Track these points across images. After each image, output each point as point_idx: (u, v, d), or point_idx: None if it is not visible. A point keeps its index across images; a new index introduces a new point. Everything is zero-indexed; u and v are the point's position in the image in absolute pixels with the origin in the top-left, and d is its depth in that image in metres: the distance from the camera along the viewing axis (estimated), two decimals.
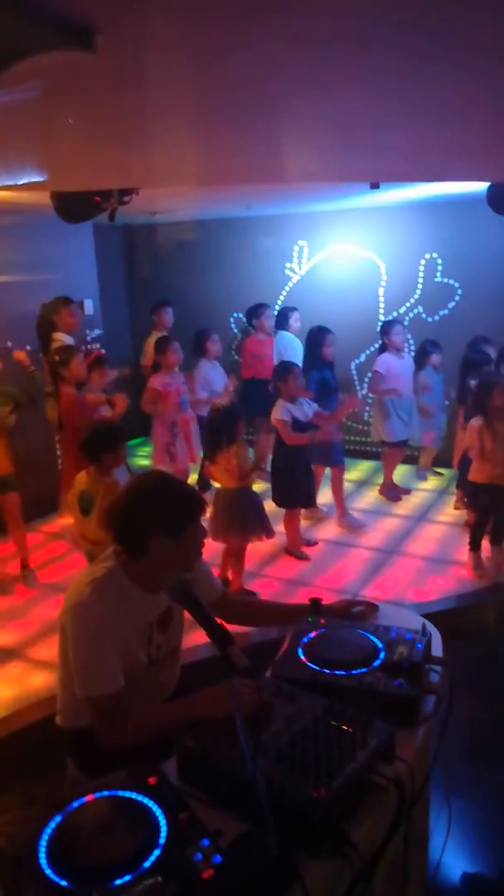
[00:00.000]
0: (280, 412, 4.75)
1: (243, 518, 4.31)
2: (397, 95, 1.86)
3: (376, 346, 6.23)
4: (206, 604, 2.11)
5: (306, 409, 4.85)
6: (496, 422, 4.50)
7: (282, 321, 6.52)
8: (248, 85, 1.76)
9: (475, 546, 4.77)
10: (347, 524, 5.51)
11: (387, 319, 6.22)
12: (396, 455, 6.12)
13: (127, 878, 1.27)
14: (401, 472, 6.39)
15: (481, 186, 4.45)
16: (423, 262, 6.61)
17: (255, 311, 6.52)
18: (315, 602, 2.29)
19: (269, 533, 4.44)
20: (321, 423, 4.80)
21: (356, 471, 6.74)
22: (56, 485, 5.67)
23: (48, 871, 1.30)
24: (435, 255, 6.55)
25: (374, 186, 4.19)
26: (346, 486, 6.32)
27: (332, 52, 1.49)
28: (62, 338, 5.57)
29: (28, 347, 5.62)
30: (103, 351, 6.42)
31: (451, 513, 5.74)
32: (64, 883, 1.27)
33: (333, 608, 2.30)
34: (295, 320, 6.53)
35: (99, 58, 1.31)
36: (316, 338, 5.50)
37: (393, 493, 6.09)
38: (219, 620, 1.64)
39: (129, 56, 1.47)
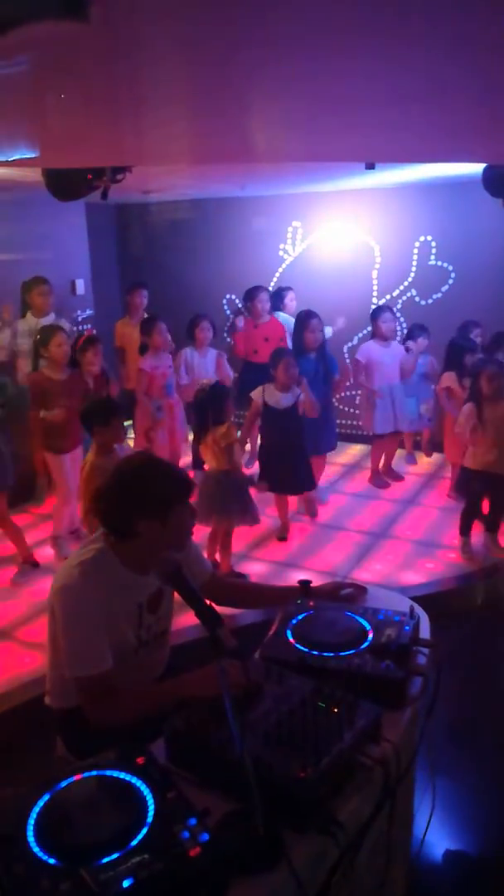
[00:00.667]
0: (254, 392, 4.78)
1: (224, 502, 4.32)
2: (393, 73, 1.84)
3: (369, 329, 6.20)
4: (196, 586, 2.13)
5: (286, 400, 4.78)
6: (485, 408, 4.51)
7: (276, 302, 6.46)
8: (243, 62, 1.73)
9: (465, 531, 4.80)
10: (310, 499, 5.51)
11: (377, 306, 6.15)
12: (382, 446, 6.08)
13: (115, 855, 1.28)
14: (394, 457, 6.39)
15: (477, 168, 4.42)
16: (417, 244, 6.58)
17: (250, 294, 6.42)
18: (304, 584, 2.31)
19: (252, 520, 4.46)
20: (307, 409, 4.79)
21: (347, 455, 6.75)
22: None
23: (36, 849, 1.31)
24: (429, 238, 6.52)
25: (370, 167, 4.15)
26: (337, 469, 6.35)
27: (328, 27, 1.47)
28: (27, 323, 5.42)
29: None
30: (94, 331, 6.38)
31: (441, 497, 5.77)
32: (52, 861, 1.29)
33: (322, 590, 2.31)
34: (290, 300, 6.47)
35: (92, 29, 1.28)
36: (299, 323, 5.39)
37: (380, 480, 6.06)
38: (208, 602, 1.65)
39: (123, 29, 1.44)
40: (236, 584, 3.17)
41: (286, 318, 6.46)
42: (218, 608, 1.70)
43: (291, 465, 4.91)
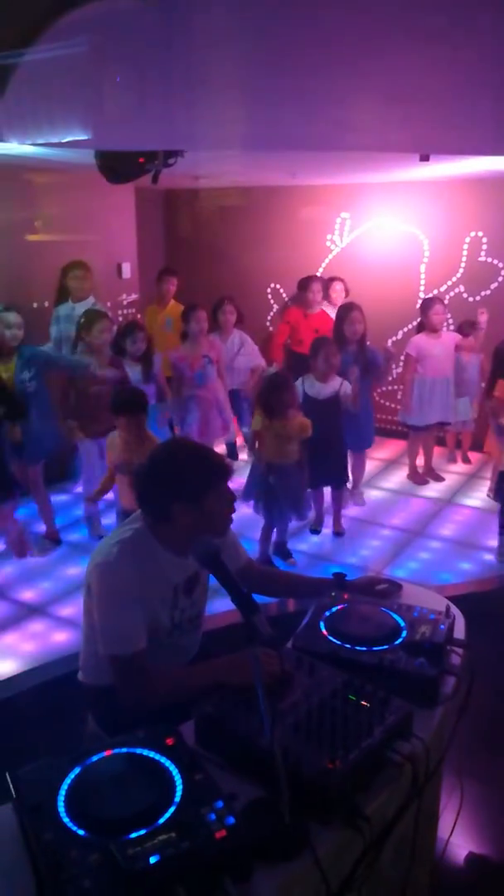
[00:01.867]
0: (295, 383, 4.70)
1: (271, 494, 4.34)
2: (453, 66, 1.80)
3: (415, 323, 6.12)
4: (233, 570, 2.14)
5: (326, 391, 4.72)
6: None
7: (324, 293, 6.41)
8: (300, 50, 1.71)
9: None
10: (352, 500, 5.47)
11: (428, 297, 6.05)
12: (421, 440, 5.99)
13: (142, 831, 1.30)
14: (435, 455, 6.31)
15: None
16: (467, 239, 6.46)
17: (303, 284, 6.30)
18: (339, 576, 2.30)
19: (299, 517, 4.49)
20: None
21: (384, 450, 6.68)
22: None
23: (66, 820, 1.33)
24: (480, 234, 6.39)
25: (424, 159, 4.08)
26: (375, 464, 6.29)
27: (386, 19, 1.44)
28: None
29: (46, 304, 5.58)
30: (139, 316, 6.41)
31: (481, 497, 5.68)
32: (81, 832, 1.31)
33: (357, 584, 2.29)
34: (336, 291, 6.39)
35: (154, 9, 1.28)
36: (340, 315, 5.31)
37: (419, 477, 5.99)
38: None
39: (183, 10, 1.43)
40: (271, 573, 3.16)
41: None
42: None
43: (328, 457, 4.84)
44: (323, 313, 6.23)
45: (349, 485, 5.32)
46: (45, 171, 5.54)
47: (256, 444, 4.39)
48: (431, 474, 6.08)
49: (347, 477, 5.17)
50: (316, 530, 5.06)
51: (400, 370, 6.21)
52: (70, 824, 1.33)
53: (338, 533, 5.06)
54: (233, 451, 6.30)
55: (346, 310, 5.26)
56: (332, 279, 6.50)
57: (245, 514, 4.61)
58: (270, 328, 7.27)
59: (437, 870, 2.32)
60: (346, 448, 5.02)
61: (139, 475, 2.06)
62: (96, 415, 4.61)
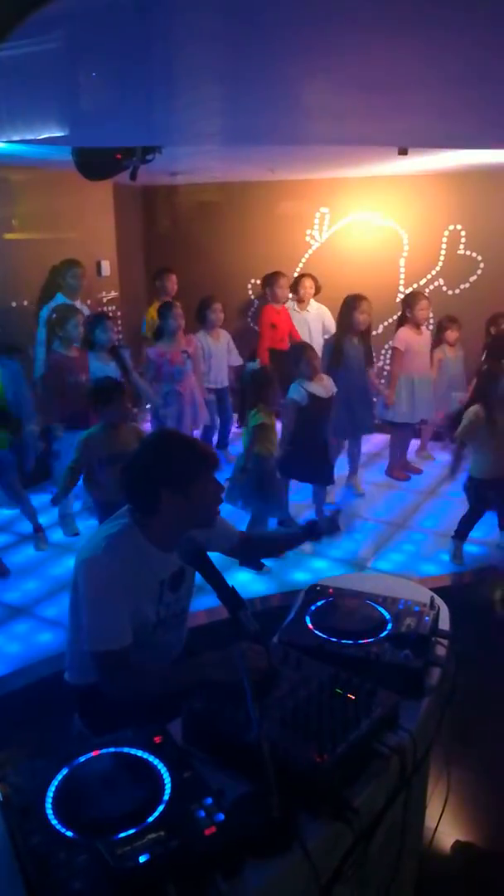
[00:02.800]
0: (292, 391, 4.66)
1: (257, 487, 4.34)
2: (433, 58, 1.80)
3: (395, 317, 6.14)
4: (226, 550, 2.17)
5: (329, 388, 4.74)
6: (497, 413, 4.23)
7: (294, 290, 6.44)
8: (279, 42, 1.71)
9: (463, 536, 4.60)
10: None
11: (413, 291, 6.04)
12: (403, 437, 6.02)
13: (131, 831, 1.29)
14: (414, 448, 6.34)
15: None
16: (446, 233, 6.49)
17: (269, 280, 6.36)
18: (311, 524, 2.44)
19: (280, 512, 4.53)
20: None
21: (367, 443, 6.68)
22: None
23: (54, 822, 1.33)
24: (459, 227, 6.42)
25: (403, 152, 4.09)
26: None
27: (367, 10, 1.44)
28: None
29: (25, 303, 5.54)
30: (119, 313, 6.37)
31: (461, 488, 5.71)
32: (69, 833, 1.30)
33: (322, 525, 2.43)
34: (306, 288, 6.41)
35: (127, 4, 1.27)
36: (349, 305, 5.32)
37: (400, 473, 6.00)
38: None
39: (159, 5, 1.42)
40: (266, 536, 3.50)
41: (318, 306, 6.43)
42: (240, 591, 1.70)
43: (327, 453, 4.92)
44: (285, 310, 6.30)
45: (347, 472, 5.42)
46: (21, 169, 5.48)
47: (258, 440, 4.32)
48: (409, 467, 6.11)
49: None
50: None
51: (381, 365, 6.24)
52: (58, 826, 1.32)
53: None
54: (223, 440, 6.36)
55: (357, 300, 5.25)
56: (301, 276, 6.52)
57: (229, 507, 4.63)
58: (252, 325, 7.27)
59: (425, 859, 2.34)
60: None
61: (127, 466, 2.06)
62: (77, 405, 4.63)
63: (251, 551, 2.52)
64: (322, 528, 2.40)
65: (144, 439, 2.17)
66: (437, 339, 5.93)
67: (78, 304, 5.50)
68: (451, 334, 5.83)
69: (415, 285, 6.65)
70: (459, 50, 1.72)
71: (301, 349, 4.83)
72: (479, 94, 2.20)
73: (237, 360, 6.19)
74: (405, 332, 5.68)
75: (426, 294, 6.03)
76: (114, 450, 3.74)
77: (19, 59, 1.89)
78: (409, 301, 5.69)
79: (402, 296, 6.21)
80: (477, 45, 1.67)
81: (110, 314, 6.08)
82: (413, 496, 5.63)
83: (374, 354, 5.77)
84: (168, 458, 1.99)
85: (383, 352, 6.56)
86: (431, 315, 6.31)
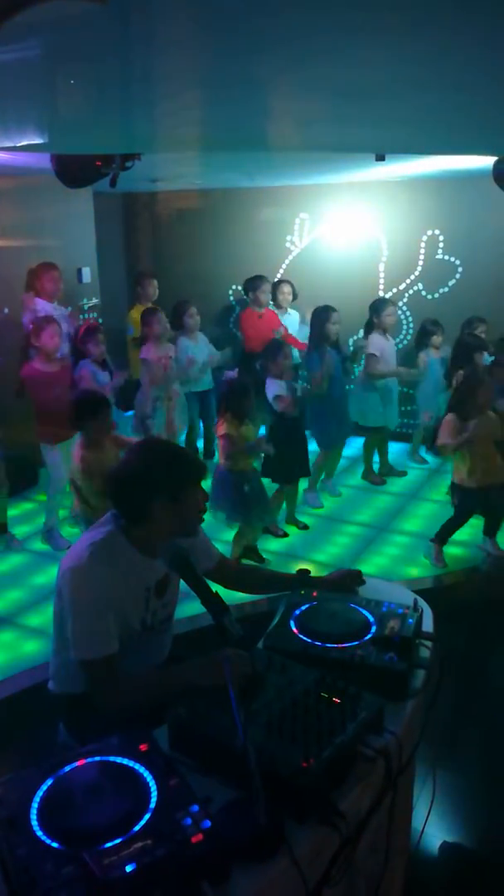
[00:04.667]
0: (275, 388, 4.72)
1: (242, 501, 4.33)
2: (407, 65, 1.82)
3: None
4: (203, 571, 2.14)
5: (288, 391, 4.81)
6: (476, 419, 4.24)
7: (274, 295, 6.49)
8: (257, 49, 1.72)
9: (444, 541, 4.62)
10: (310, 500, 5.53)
11: (380, 299, 6.06)
12: (377, 441, 6.05)
13: (117, 840, 1.29)
14: (394, 452, 6.38)
15: (487, 162, 4.39)
16: (424, 238, 6.55)
17: (251, 284, 6.39)
18: (303, 572, 2.35)
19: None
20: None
21: (350, 447, 6.71)
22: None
23: (39, 833, 1.32)
24: (437, 232, 6.49)
25: (380, 158, 4.12)
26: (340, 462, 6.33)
27: (342, 18, 1.45)
28: (37, 307, 5.38)
29: (6, 310, 5.52)
30: (101, 320, 6.36)
31: (443, 492, 5.76)
32: (55, 845, 1.29)
33: (322, 581, 2.34)
34: (285, 294, 6.46)
35: (108, 11, 1.27)
36: (319, 317, 5.36)
37: (374, 477, 6.03)
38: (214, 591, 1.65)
39: (137, 12, 1.42)
40: (245, 569, 3.24)
41: (295, 311, 6.47)
42: (224, 593, 1.70)
43: (301, 452, 4.98)
44: (271, 312, 6.33)
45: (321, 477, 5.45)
46: (1, 177, 5.45)
47: (223, 451, 4.30)
48: (392, 472, 6.14)
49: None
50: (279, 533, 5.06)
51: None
52: (44, 837, 1.31)
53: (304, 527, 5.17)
54: (210, 448, 6.36)
55: (327, 311, 5.30)
56: (279, 282, 6.57)
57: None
58: (234, 330, 7.28)
59: (412, 860, 2.35)
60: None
61: (114, 475, 2.05)
62: (58, 419, 4.59)
63: (232, 579, 2.39)
64: (315, 582, 2.32)
65: (132, 449, 2.15)
66: (421, 343, 5.98)
67: (55, 305, 5.48)
68: (436, 338, 5.90)
69: (394, 289, 6.70)
70: (435, 57, 1.74)
71: (276, 346, 4.86)
72: (454, 100, 2.23)
73: (215, 358, 6.15)
74: (377, 338, 5.71)
75: (402, 300, 6.08)
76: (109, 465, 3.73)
77: None
78: (377, 307, 5.73)
79: None
80: (453, 52, 1.69)
81: (93, 321, 6.08)
82: (396, 499, 5.66)
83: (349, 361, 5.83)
84: (161, 467, 1.98)
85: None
86: (412, 319, 6.38)
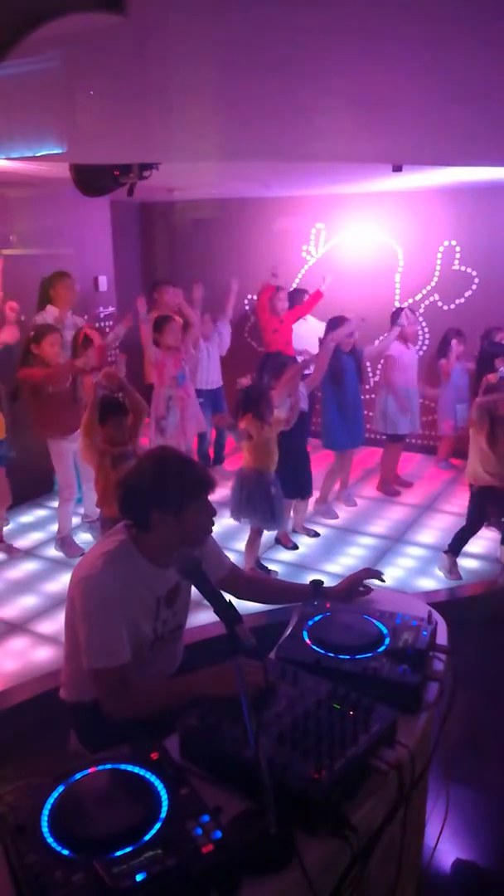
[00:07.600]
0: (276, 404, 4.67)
1: (250, 502, 4.32)
2: (427, 75, 1.82)
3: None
4: (215, 580, 2.13)
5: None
6: (497, 427, 4.23)
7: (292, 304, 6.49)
8: (275, 60, 1.73)
9: (458, 551, 4.57)
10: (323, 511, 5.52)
11: (398, 307, 6.08)
12: (397, 449, 6.04)
13: (128, 849, 1.28)
14: (415, 462, 6.35)
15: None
16: (441, 248, 6.54)
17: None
18: (316, 583, 2.33)
19: (276, 526, 4.53)
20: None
21: (362, 458, 6.69)
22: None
23: (50, 840, 1.31)
24: (454, 243, 6.47)
25: (397, 169, 4.13)
26: (353, 472, 6.30)
27: (362, 28, 1.46)
28: (46, 316, 5.41)
29: (23, 317, 5.58)
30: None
31: (460, 503, 5.71)
32: (66, 852, 1.29)
33: (334, 591, 2.32)
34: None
35: (127, 22, 1.29)
36: (335, 325, 5.38)
37: (391, 488, 6.00)
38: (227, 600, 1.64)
39: (156, 23, 1.44)
40: (257, 579, 3.20)
41: (313, 320, 6.48)
42: (235, 603, 1.69)
43: (306, 467, 4.96)
44: (288, 316, 6.37)
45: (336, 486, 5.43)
46: (19, 185, 5.51)
47: (245, 454, 4.32)
48: (399, 481, 6.11)
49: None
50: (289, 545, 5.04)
51: (377, 379, 6.26)
52: (54, 844, 1.31)
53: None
54: (219, 458, 6.35)
55: (340, 322, 5.32)
56: (296, 290, 6.62)
57: (228, 524, 4.61)
58: (249, 340, 7.30)
59: (424, 878, 2.31)
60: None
61: (123, 482, 2.06)
62: (59, 414, 4.67)
63: (244, 588, 2.37)
64: (326, 593, 2.30)
65: (143, 458, 2.15)
66: (442, 351, 5.98)
67: (69, 314, 5.52)
68: (457, 346, 5.90)
69: (410, 300, 6.69)
70: (453, 67, 1.74)
71: (284, 364, 4.83)
72: (472, 111, 2.22)
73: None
74: (396, 345, 5.77)
75: (418, 311, 6.09)
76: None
77: (18, 78, 1.92)
78: (397, 316, 5.79)
79: None
80: (471, 61, 1.69)
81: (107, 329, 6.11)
82: (411, 510, 5.62)
83: (366, 370, 5.83)
84: (163, 479, 1.98)
85: (379, 366, 6.58)
86: (428, 330, 6.36)
